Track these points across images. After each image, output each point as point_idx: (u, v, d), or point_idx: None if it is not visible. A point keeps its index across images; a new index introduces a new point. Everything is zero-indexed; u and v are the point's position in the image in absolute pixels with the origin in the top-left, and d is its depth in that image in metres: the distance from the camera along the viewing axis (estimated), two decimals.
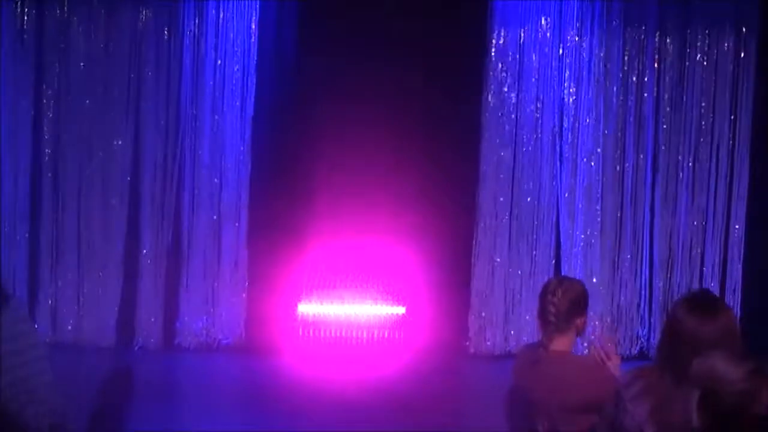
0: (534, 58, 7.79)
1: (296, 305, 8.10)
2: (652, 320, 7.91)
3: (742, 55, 7.91)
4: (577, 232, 7.86)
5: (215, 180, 7.77)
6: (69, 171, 7.70)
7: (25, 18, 7.61)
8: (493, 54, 7.75)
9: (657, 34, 7.85)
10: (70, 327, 7.71)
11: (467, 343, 7.81)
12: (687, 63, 7.90)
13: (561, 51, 7.79)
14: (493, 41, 7.75)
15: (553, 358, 3.69)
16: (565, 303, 3.70)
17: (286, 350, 7.70)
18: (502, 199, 7.86)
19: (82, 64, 7.65)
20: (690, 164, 7.97)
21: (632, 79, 7.87)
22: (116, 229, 7.72)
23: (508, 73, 7.79)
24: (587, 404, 3.49)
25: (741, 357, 2.64)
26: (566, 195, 7.84)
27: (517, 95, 7.81)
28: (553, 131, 7.83)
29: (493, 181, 7.85)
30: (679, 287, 7.86)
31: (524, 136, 7.83)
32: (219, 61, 7.69)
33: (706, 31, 7.89)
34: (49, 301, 7.73)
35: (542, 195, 7.86)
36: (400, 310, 8.14)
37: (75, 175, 7.70)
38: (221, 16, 7.68)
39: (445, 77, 7.66)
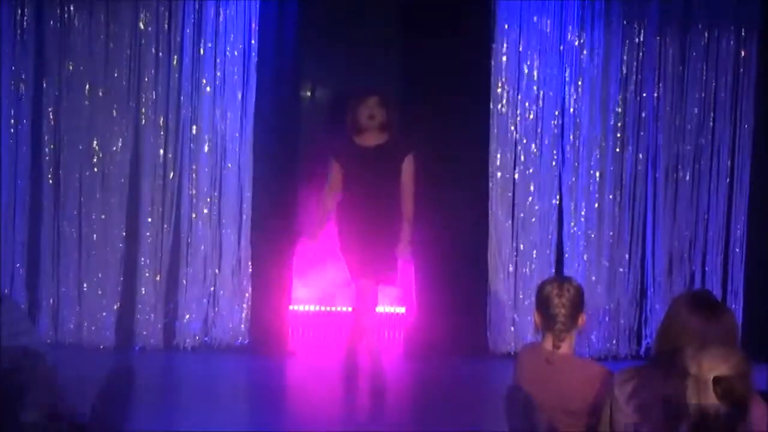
0: (535, 57, 7.79)
1: (297, 305, 8.10)
2: (651, 320, 7.90)
3: (743, 54, 7.92)
4: (578, 232, 7.86)
5: (216, 179, 7.76)
6: (69, 171, 7.69)
7: (25, 18, 7.61)
8: (494, 54, 7.74)
9: (657, 33, 7.85)
10: (70, 327, 7.70)
11: (469, 343, 7.79)
12: (687, 63, 7.90)
13: (561, 50, 7.79)
14: (494, 42, 7.75)
15: (560, 360, 3.70)
16: (570, 304, 3.72)
17: (286, 350, 7.69)
18: (503, 199, 7.86)
19: (81, 64, 7.64)
20: (691, 164, 7.97)
21: (632, 79, 7.88)
22: (116, 228, 7.71)
23: (509, 74, 7.79)
24: (590, 407, 3.50)
25: (732, 350, 2.66)
26: (566, 194, 7.84)
27: (518, 95, 7.80)
28: (554, 131, 7.83)
29: (497, 181, 7.84)
30: (680, 287, 7.86)
31: (525, 136, 7.83)
32: (219, 61, 7.69)
33: (707, 31, 7.90)
34: (50, 301, 7.72)
35: (542, 194, 7.86)
36: (401, 309, 8.15)
37: (75, 174, 7.69)
38: (221, 16, 7.68)
39: (446, 77, 7.64)
